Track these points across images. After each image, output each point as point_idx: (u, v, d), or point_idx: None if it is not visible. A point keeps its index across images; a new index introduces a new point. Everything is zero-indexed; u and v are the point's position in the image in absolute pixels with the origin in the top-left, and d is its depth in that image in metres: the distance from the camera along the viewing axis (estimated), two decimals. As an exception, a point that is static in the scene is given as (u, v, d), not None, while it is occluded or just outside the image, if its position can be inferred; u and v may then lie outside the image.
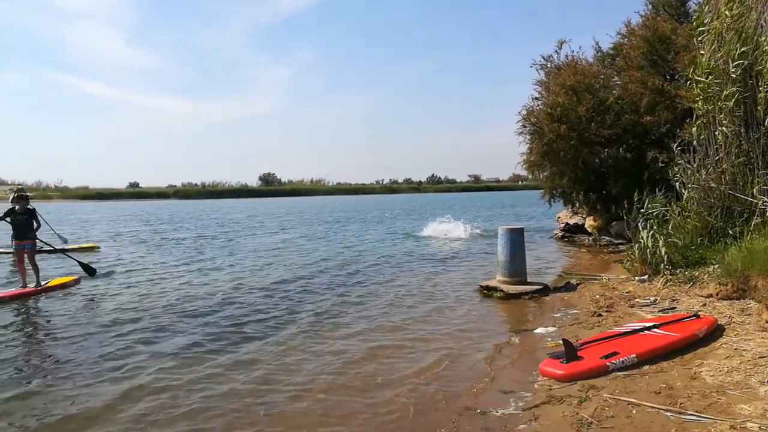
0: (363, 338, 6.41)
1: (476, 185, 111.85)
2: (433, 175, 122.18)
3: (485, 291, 8.70)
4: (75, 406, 4.53)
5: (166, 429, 4.08)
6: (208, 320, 7.39)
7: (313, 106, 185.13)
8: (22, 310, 8.34)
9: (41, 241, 9.83)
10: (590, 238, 15.64)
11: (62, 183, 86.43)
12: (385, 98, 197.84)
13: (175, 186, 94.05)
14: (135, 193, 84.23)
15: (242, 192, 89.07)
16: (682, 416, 3.64)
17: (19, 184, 75.92)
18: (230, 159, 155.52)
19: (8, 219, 9.35)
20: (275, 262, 13.13)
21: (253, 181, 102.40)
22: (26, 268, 9.42)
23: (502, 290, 8.48)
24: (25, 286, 9.32)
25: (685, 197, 8.46)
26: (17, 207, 9.35)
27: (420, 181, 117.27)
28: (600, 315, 6.75)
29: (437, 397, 4.56)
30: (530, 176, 18.11)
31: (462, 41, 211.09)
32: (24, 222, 9.36)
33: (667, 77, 13.02)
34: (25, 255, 9.42)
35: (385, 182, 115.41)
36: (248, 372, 5.29)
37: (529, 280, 8.89)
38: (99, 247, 15.67)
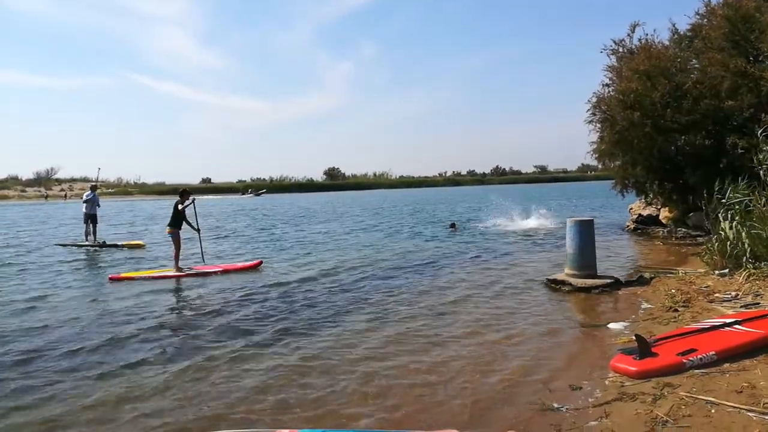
0: (428, 329, 6.44)
1: (543, 176, 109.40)
2: (497, 166, 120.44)
3: (552, 285, 8.52)
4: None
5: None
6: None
7: (376, 101, 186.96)
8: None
9: (195, 229, 11.22)
10: (665, 230, 14.97)
11: (140, 179, 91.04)
12: (448, 90, 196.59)
13: (244, 181, 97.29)
14: (208, 188, 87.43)
15: (308, 186, 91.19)
16: (767, 417, 3.45)
17: (101, 182, 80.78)
18: (296, 154, 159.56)
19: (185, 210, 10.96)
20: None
21: (318, 176, 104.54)
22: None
23: (570, 284, 8.28)
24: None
25: (770, 186, 7.97)
26: (187, 201, 11.02)
27: (484, 173, 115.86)
28: (676, 310, 6.47)
29: (503, 390, 4.53)
30: (600, 166, 17.57)
31: (527, 31, 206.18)
32: (186, 213, 11.03)
33: (750, 59, 12.25)
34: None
35: (448, 174, 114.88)
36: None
37: (599, 273, 8.64)
38: (145, 245, 15.90)
